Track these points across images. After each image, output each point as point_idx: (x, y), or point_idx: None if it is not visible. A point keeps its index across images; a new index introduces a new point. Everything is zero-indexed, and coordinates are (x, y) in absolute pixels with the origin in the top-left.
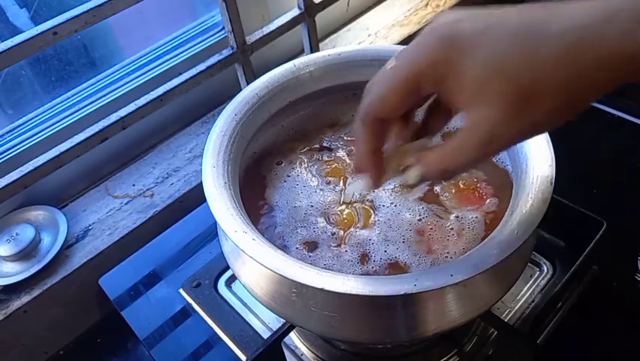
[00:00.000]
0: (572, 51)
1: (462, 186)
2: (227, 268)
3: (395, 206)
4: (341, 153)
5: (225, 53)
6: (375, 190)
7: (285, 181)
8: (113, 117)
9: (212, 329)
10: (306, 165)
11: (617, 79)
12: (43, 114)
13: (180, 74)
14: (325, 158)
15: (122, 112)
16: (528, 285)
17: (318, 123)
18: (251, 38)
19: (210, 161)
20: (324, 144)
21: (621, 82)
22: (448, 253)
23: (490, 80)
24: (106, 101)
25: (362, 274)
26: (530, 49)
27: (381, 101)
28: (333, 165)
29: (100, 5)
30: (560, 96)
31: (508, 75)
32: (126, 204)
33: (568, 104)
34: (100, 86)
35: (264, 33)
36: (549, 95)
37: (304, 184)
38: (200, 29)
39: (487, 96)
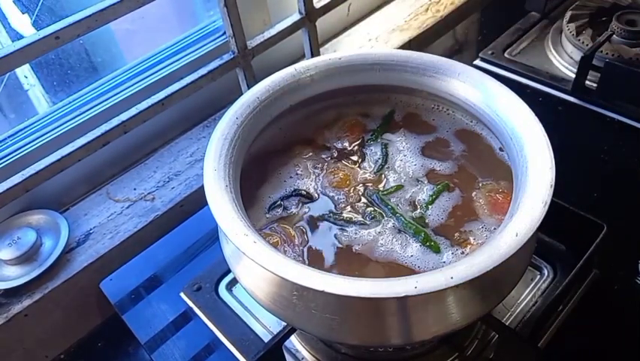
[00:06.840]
0: None
1: (500, 197)
2: (229, 271)
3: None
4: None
5: (226, 57)
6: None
7: (285, 182)
8: (115, 121)
9: (213, 333)
10: (309, 170)
11: None
12: (45, 118)
13: (182, 78)
14: (332, 165)
15: (124, 116)
16: (529, 288)
17: (318, 127)
18: (252, 43)
19: (212, 164)
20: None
21: None
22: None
23: None
24: (107, 106)
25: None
26: None
27: None
28: (340, 174)
29: (102, 10)
30: None
31: None
32: (127, 208)
33: None
34: (101, 91)
35: (265, 38)
36: None
37: (307, 186)
38: (202, 34)
39: None
